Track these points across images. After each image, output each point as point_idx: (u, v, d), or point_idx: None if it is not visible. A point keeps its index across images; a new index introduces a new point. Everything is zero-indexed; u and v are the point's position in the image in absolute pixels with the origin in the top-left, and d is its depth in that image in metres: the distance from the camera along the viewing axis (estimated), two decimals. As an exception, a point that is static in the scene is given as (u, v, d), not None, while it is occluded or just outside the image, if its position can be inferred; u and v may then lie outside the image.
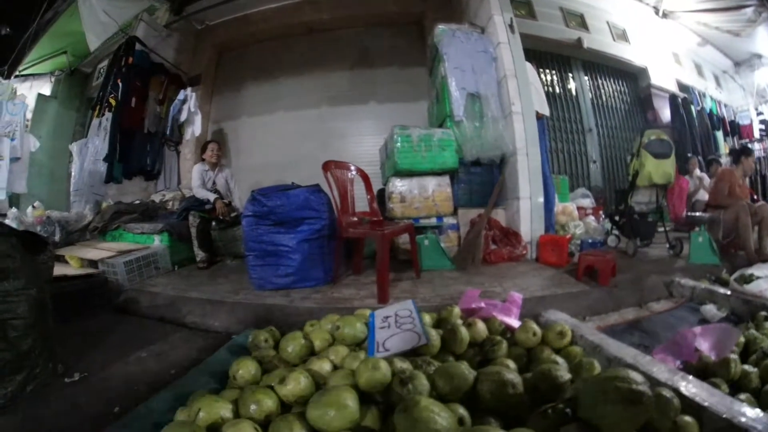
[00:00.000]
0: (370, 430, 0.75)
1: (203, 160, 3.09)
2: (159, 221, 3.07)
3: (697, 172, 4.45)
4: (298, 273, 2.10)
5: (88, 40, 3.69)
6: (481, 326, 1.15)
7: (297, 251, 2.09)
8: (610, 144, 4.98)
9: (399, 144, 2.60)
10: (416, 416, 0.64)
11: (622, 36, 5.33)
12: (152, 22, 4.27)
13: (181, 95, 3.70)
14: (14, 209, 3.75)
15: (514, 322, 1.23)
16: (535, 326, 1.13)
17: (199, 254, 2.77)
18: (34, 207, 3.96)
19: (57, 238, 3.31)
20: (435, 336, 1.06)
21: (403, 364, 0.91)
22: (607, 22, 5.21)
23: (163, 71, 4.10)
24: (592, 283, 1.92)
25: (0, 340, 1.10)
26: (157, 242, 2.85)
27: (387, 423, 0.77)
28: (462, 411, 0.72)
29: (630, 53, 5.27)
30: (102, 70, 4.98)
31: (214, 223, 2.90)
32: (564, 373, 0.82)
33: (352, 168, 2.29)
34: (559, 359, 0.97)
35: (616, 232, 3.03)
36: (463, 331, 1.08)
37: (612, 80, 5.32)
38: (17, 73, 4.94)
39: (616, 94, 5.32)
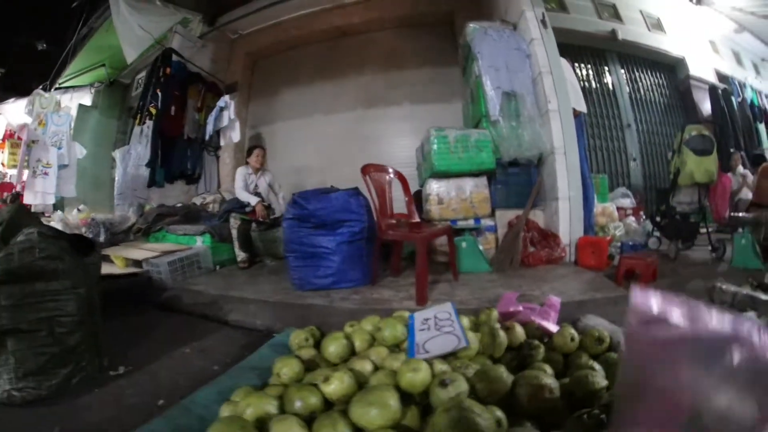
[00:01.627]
0: (410, 429, 0.76)
1: (247, 163, 3.19)
2: (201, 223, 3.19)
3: (740, 168, 4.18)
4: (337, 274, 2.12)
5: (126, 54, 3.88)
6: (519, 330, 1.14)
7: (337, 253, 2.12)
8: (650, 140, 4.74)
9: (436, 146, 2.58)
10: (460, 416, 0.66)
11: (657, 25, 5.09)
12: (187, 33, 4.45)
13: (221, 102, 3.83)
14: (59, 212, 4.00)
15: (552, 327, 1.20)
16: (573, 331, 1.11)
17: (240, 255, 2.86)
18: (79, 210, 4.22)
19: (102, 239, 3.49)
20: (474, 339, 1.07)
21: (442, 366, 0.93)
22: (641, 11, 4.99)
23: (200, 80, 4.28)
24: (632, 288, 1.86)
25: (47, 336, 1.16)
26: (200, 243, 2.96)
27: (425, 422, 0.78)
28: (499, 413, 0.73)
29: (666, 43, 5.03)
30: (140, 81, 5.24)
31: (254, 225, 2.98)
32: (600, 380, 0.82)
33: (390, 171, 2.29)
34: (597, 365, 0.95)
35: (657, 233, 2.91)
36: (502, 335, 1.08)
37: (649, 73, 5.08)
38: (57, 85, 5.29)
39: (654, 87, 5.08)
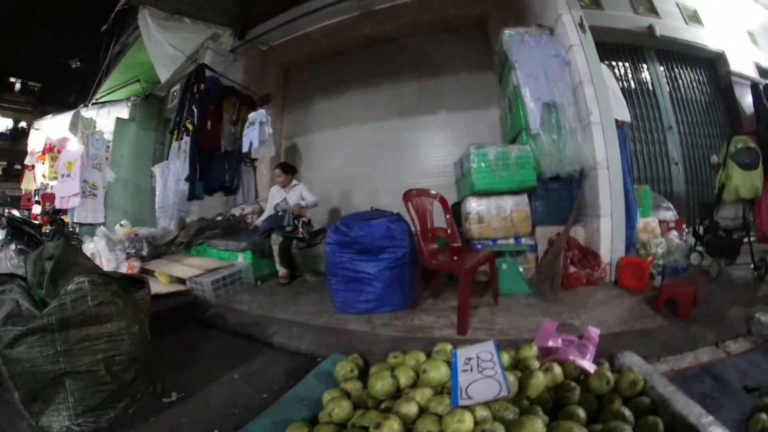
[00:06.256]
0: None
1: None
2: (241, 238, 3.30)
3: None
4: (379, 299, 2.16)
5: (159, 73, 3.95)
6: (557, 371, 1.21)
7: (379, 279, 2.15)
8: (692, 142, 4.47)
9: (475, 164, 2.54)
10: None
11: (694, 17, 4.77)
12: (218, 48, 4.53)
13: (261, 117, 3.83)
14: (103, 228, 4.18)
15: (590, 367, 1.25)
16: (609, 374, 1.19)
17: (281, 270, 2.96)
18: (121, 225, 4.40)
19: (144, 252, 3.61)
20: (513, 382, 1.13)
21: (483, 412, 1.00)
22: (677, 3, 4.69)
23: (234, 93, 4.35)
24: (671, 316, 1.87)
25: (104, 375, 1.23)
26: (241, 259, 3.06)
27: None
28: None
29: (704, 37, 4.72)
30: (175, 93, 5.41)
31: (295, 242, 3.07)
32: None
33: (433, 193, 2.29)
34: (627, 412, 1.03)
35: (699, 248, 2.81)
36: (540, 377, 1.15)
37: (689, 69, 4.77)
38: (94, 101, 5.53)
39: (694, 84, 4.76)
